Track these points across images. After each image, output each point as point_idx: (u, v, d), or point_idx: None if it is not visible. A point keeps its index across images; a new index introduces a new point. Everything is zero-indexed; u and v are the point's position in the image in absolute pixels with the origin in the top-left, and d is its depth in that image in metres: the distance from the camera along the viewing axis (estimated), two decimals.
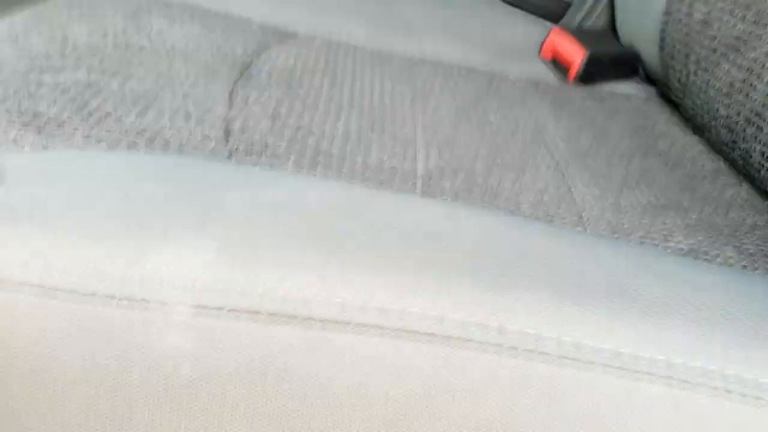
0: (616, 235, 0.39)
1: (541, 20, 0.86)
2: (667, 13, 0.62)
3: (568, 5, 0.84)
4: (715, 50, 0.54)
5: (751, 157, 0.48)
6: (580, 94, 0.63)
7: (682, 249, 0.39)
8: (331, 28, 0.66)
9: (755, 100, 0.47)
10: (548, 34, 0.70)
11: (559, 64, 0.69)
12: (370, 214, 0.26)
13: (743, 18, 0.50)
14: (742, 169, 0.50)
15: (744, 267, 0.38)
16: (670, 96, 0.65)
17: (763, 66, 0.47)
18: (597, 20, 0.77)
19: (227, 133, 0.41)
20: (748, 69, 0.49)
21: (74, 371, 0.23)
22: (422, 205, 0.28)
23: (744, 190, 0.48)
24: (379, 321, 0.22)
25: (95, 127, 0.36)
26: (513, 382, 0.20)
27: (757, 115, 0.47)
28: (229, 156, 0.38)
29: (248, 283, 0.22)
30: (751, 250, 0.40)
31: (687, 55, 0.58)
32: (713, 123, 0.54)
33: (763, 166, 0.47)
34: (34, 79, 0.40)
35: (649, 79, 0.72)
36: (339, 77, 0.55)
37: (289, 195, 0.26)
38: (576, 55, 0.65)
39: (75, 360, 0.23)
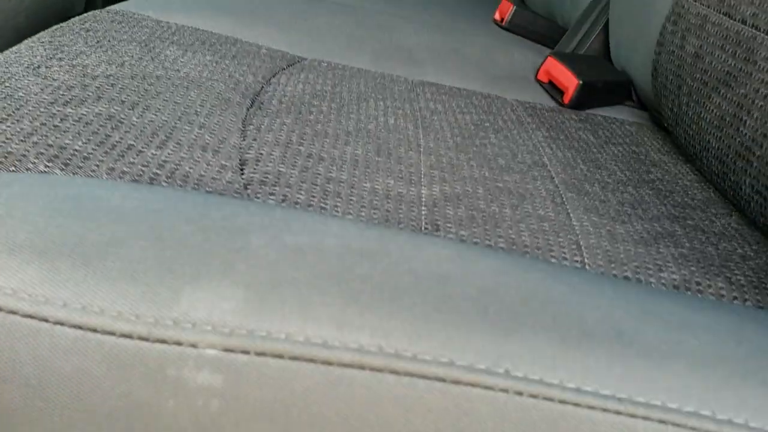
0: (612, 265, 0.41)
1: (537, 46, 0.88)
2: (660, 44, 0.65)
3: (564, 31, 0.86)
4: (706, 83, 0.56)
5: (741, 189, 0.50)
6: (575, 119, 0.65)
7: (675, 280, 0.41)
8: (336, 54, 0.68)
9: (745, 134, 0.49)
10: (544, 60, 0.72)
11: (554, 86, 0.71)
12: (385, 258, 0.28)
13: (734, 54, 0.53)
14: (733, 199, 0.53)
15: (735, 298, 0.40)
16: (662, 122, 0.67)
17: (753, 102, 0.49)
18: (592, 45, 0.79)
19: (242, 162, 0.43)
20: (738, 104, 0.51)
21: (110, 407, 0.25)
22: (431, 245, 0.30)
23: (734, 221, 0.51)
24: (393, 364, 0.24)
25: (119, 160, 0.38)
26: (519, 425, 0.22)
27: (747, 149, 0.49)
28: (246, 186, 0.40)
29: (273, 328, 0.24)
30: (741, 281, 0.42)
31: (679, 87, 0.60)
32: (704, 154, 0.56)
33: (752, 198, 0.49)
34: (58, 112, 0.42)
35: (642, 103, 0.74)
36: (346, 102, 0.57)
37: (309, 237, 0.28)
38: (570, 83, 0.67)
39: (111, 396, 0.25)
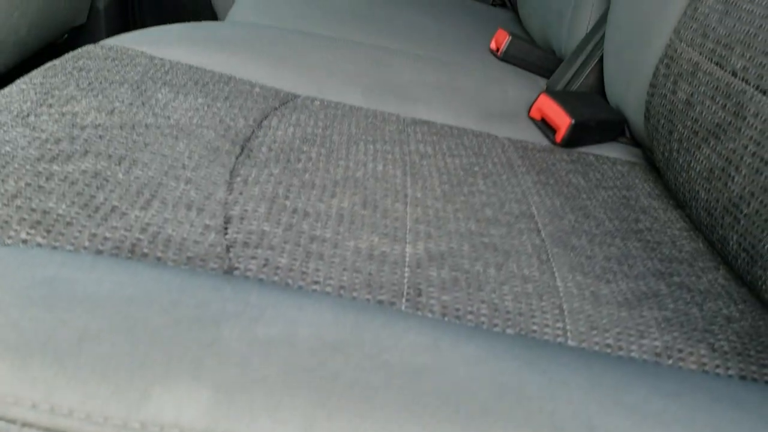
0: (594, 332, 0.41)
1: (533, 76, 0.88)
2: (653, 85, 0.64)
3: (560, 61, 0.86)
4: (696, 132, 0.56)
5: (728, 244, 0.50)
6: (566, 160, 0.65)
7: (656, 347, 0.41)
8: (329, 90, 0.68)
9: (733, 190, 0.49)
10: (537, 97, 0.72)
11: (547, 124, 0.71)
12: (358, 350, 0.28)
13: (724, 106, 0.53)
14: (721, 252, 0.52)
15: (717, 367, 0.40)
16: (654, 161, 0.67)
17: (741, 158, 0.49)
18: (586, 80, 0.79)
19: (227, 220, 0.43)
20: (726, 158, 0.51)
21: None
22: (407, 332, 0.30)
23: (721, 275, 0.50)
24: None
25: (101, 224, 0.38)
26: None
27: (735, 205, 0.49)
28: (228, 249, 0.40)
29: (241, 430, 0.24)
30: (725, 348, 0.42)
31: (671, 132, 0.60)
32: (693, 203, 0.56)
33: (739, 255, 0.49)
34: (44, 170, 0.42)
35: (635, 140, 0.74)
36: (335, 146, 0.57)
37: (282, 328, 0.28)
38: (562, 122, 0.67)
39: None
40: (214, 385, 0.25)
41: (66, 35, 1.84)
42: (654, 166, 0.70)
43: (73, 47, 2.05)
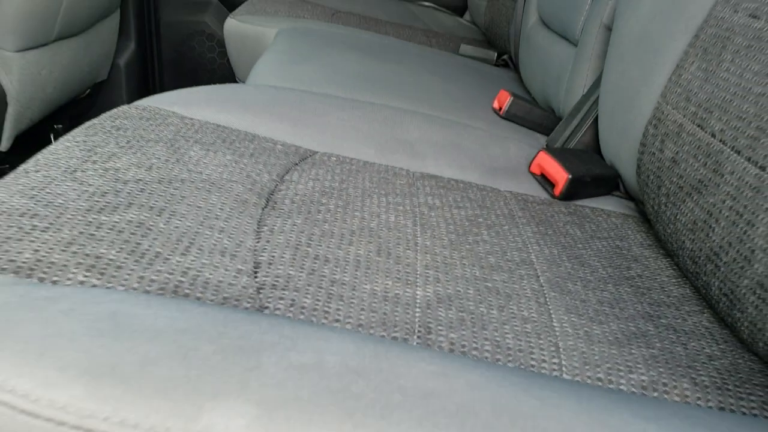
0: (587, 368, 0.45)
1: (532, 133, 0.94)
2: (643, 144, 0.70)
3: (559, 119, 0.92)
4: (681, 188, 0.61)
5: (711, 289, 0.55)
6: (564, 212, 0.70)
7: (643, 381, 0.45)
8: (344, 147, 0.74)
9: (714, 240, 0.54)
10: (537, 154, 0.78)
11: (546, 179, 0.76)
12: (378, 375, 0.32)
13: (705, 164, 0.58)
14: (705, 297, 0.57)
15: (698, 399, 0.44)
16: (646, 214, 0.72)
17: (720, 211, 0.54)
18: (583, 138, 0.85)
19: (256, 265, 0.48)
20: (708, 211, 0.56)
21: None
22: (420, 361, 0.35)
23: (705, 318, 0.55)
24: None
25: (147, 268, 0.43)
26: None
27: (715, 254, 0.54)
28: (258, 290, 0.45)
29: None
30: (706, 383, 0.46)
31: (659, 187, 0.65)
32: (680, 252, 0.60)
33: (720, 299, 0.53)
34: (94, 220, 0.47)
35: (629, 194, 0.79)
36: (351, 199, 0.62)
37: (312, 356, 0.33)
38: (560, 177, 0.72)
39: None
40: (256, 403, 0.30)
41: (88, 90, 1.93)
42: (646, 218, 0.75)
43: (95, 101, 2.14)
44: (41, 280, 0.40)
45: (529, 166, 0.79)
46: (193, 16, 2.04)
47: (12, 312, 0.35)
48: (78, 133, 0.65)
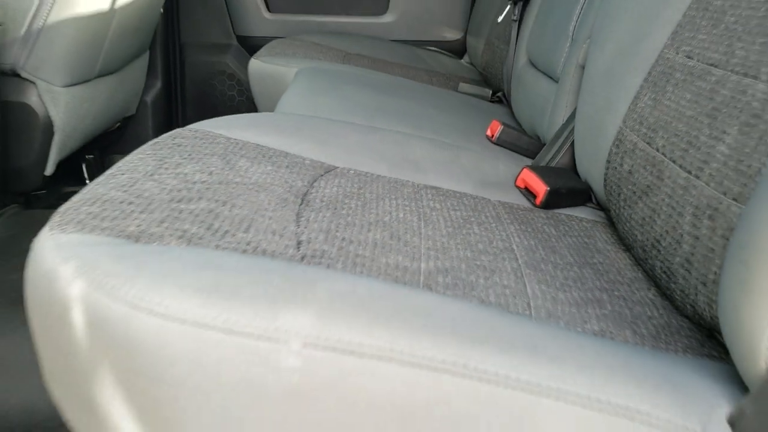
0: (550, 319, 0.59)
1: (519, 157, 1.09)
2: (608, 161, 0.85)
3: (542, 145, 1.07)
4: (635, 192, 0.76)
5: (655, 270, 0.69)
6: (543, 217, 0.85)
7: (595, 329, 0.59)
8: (361, 164, 0.89)
9: (656, 231, 0.69)
10: (521, 171, 0.93)
11: (529, 191, 0.91)
12: (396, 299, 0.47)
13: (651, 173, 0.73)
14: (651, 277, 0.71)
15: (636, 344, 0.58)
16: (611, 218, 0.87)
17: (661, 208, 0.69)
18: (562, 159, 1.00)
19: (299, 243, 0.62)
20: (652, 209, 0.70)
21: (228, 384, 0.43)
22: (424, 294, 0.49)
23: (650, 293, 0.69)
24: (399, 358, 0.42)
25: (221, 239, 0.58)
26: (487, 404, 0.40)
27: (657, 241, 0.68)
28: (302, 258, 0.60)
29: (338, 336, 0.43)
30: (644, 333, 0.60)
31: (619, 194, 0.80)
32: (634, 244, 0.75)
33: (661, 277, 0.68)
34: (176, 207, 0.62)
35: (600, 205, 0.94)
36: (368, 200, 0.77)
37: (348, 287, 0.47)
38: (540, 189, 0.87)
39: (230, 376, 0.43)
40: (314, 310, 0.44)
41: (118, 124, 2.10)
42: (612, 223, 0.89)
43: (123, 135, 2.30)
44: (146, 244, 0.55)
45: (515, 181, 0.94)
46: (215, 57, 2.22)
47: (135, 258, 0.49)
48: (146, 149, 0.80)
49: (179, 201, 0.64)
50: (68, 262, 0.49)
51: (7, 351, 1.16)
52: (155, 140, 0.84)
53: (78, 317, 0.46)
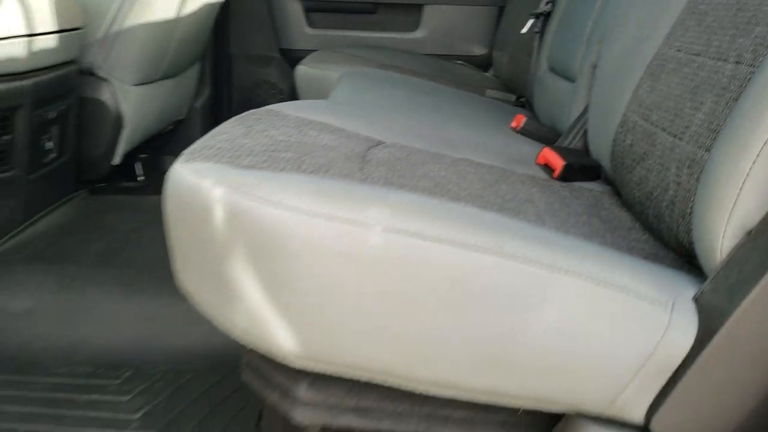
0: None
1: (540, 144, 1.26)
2: (614, 140, 1.02)
3: (560, 134, 1.24)
4: (634, 160, 0.92)
5: (648, 218, 0.85)
6: (559, 185, 1.02)
7: (590, 237, 0.75)
8: (406, 141, 1.06)
9: (650, 186, 0.85)
10: (542, 150, 1.10)
11: (548, 168, 1.08)
12: (451, 205, 0.64)
13: (647, 142, 0.89)
14: (644, 224, 0.87)
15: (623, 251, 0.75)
16: (617, 191, 1.03)
17: (653, 167, 0.85)
18: (577, 143, 1.17)
19: (364, 179, 0.80)
20: (647, 170, 0.87)
21: (330, 256, 0.60)
22: (470, 206, 0.66)
23: (645, 236, 0.85)
24: (457, 242, 0.59)
25: (304, 171, 0.75)
26: (511, 285, 0.57)
27: (650, 193, 0.85)
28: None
29: (408, 224, 0.60)
30: (631, 246, 0.76)
31: (622, 164, 0.97)
32: (633, 201, 0.91)
33: (653, 222, 0.84)
34: (272, 155, 0.79)
35: (608, 180, 1.10)
36: (415, 163, 0.94)
37: (415, 196, 0.64)
38: (558, 164, 1.04)
39: (331, 251, 0.60)
40: (392, 207, 0.61)
41: (171, 126, 2.31)
42: (618, 194, 1.06)
43: (174, 137, 2.51)
44: (260, 170, 0.73)
45: (536, 159, 1.11)
46: (260, 68, 2.43)
47: (258, 174, 0.67)
48: (232, 121, 0.98)
49: (272, 151, 0.81)
50: (206, 176, 0.67)
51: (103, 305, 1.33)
52: (238, 116, 1.02)
53: (218, 215, 0.64)
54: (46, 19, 1.46)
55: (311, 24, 2.42)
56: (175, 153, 2.45)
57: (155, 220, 1.69)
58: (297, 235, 0.61)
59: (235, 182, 0.64)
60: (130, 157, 2.19)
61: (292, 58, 2.45)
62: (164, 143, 2.39)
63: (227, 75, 2.46)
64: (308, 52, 2.42)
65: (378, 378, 0.65)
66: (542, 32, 1.69)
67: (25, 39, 1.40)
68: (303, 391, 0.71)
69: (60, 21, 1.53)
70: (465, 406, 0.69)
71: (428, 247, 0.60)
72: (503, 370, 0.62)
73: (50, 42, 1.50)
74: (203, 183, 0.66)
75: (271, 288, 0.63)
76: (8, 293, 1.32)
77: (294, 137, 0.90)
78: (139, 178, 2.24)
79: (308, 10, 2.38)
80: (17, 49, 1.37)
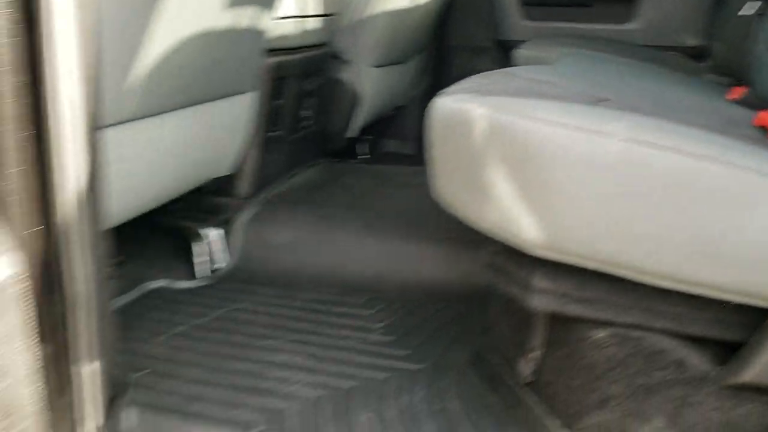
0: None
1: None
2: None
3: None
4: None
5: None
6: None
7: None
8: (627, 100, 1.18)
9: None
10: (758, 114, 1.15)
11: (765, 129, 1.13)
12: (685, 119, 0.76)
13: None
14: None
15: None
16: None
17: None
18: None
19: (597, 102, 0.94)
20: None
21: (580, 163, 0.76)
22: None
23: None
24: (679, 148, 0.72)
25: (549, 99, 0.91)
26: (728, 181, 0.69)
27: None
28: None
29: (644, 135, 0.74)
30: None
31: None
32: None
33: None
34: (515, 90, 0.97)
35: None
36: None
37: (645, 117, 0.78)
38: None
39: (580, 158, 0.76)
40: (627, 122, 0.75)
41: (393, 111, 2.58)
42: None
43: (395, 120, 2.78)
44: (512, 96, 0.90)
45: (754, 121, 1.17)
46: (476, 59, 2.62)
47: (521, 99, 0.84)
48: (475, 77, 1.17)
49: (516, 89, 0.98)
50: (469, 101, 0.86)
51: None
52: (477, 74, 1.20)
53: (479, 130, 0.82)
54: (312, 4, 1.78)
55: (530, 16, 2.57)
56: (396, 137, 2.74)
57: (384, 183, 1.95)
58: (549, 143, 0.77)
59: (494, 103, 0.83)
60: (355, 139, 2.49)
61: (506, 48, 2.62)
62: (385, 127, 2.68)
63: (446, 66, 2.68)
64: (521, 43, 2.58)
65: (607, 267, 0.80)
66: (765, 13, 1.69)
67: (298, 20, 1.72)
68: (538, 280, 0.87)
69: (324, 7, 1.85)
70: (679, 302, 0.81)
71: (659, 156, 0.73)
72: (719, 265, 0.74)
73: (315, 24, 1.81)
74: (467, 106, 0.85)
75: (522, 188, 0.80)
76: (274, 230, 1.63)
77: (530, 86, 1.07)
78: (365, 156, 2.54)
79: (525, 4, 2.54)
80: (291, 28, 1.69)
